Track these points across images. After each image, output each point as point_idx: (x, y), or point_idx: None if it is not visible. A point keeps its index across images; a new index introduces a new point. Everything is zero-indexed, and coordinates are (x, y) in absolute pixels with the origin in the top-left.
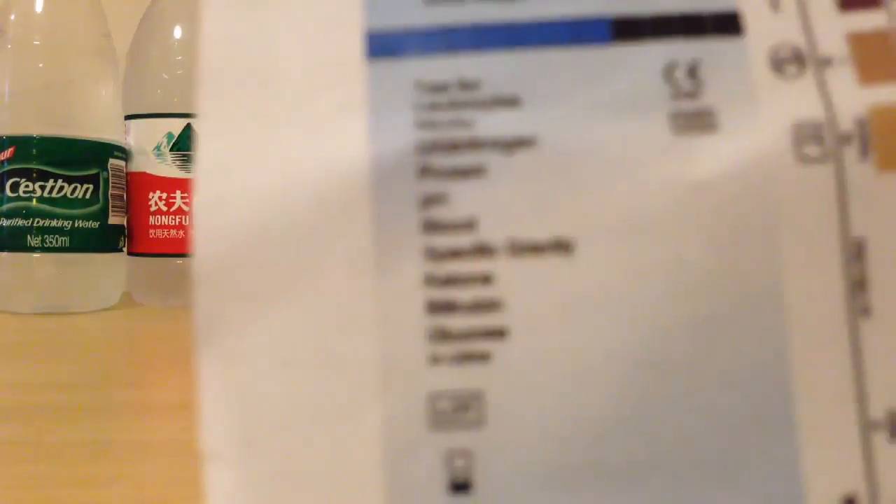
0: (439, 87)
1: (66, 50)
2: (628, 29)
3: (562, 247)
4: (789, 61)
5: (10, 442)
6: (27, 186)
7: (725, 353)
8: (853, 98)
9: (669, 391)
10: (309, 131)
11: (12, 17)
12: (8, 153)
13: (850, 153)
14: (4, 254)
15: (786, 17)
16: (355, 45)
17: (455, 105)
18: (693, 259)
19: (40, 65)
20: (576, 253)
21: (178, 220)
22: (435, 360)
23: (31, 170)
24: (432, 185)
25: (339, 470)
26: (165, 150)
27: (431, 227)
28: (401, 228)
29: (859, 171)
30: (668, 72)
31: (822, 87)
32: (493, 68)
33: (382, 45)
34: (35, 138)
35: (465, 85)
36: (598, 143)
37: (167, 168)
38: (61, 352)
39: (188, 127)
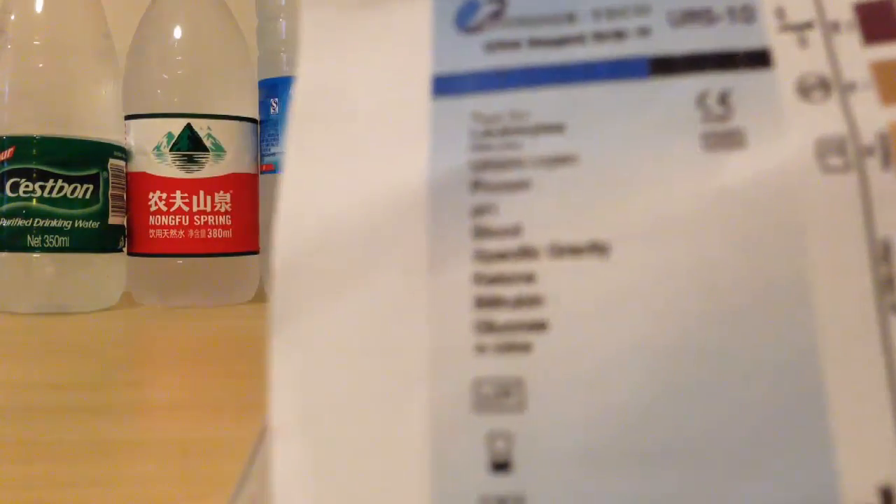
0: (493, 117)
1: (66, 50)
2: (665, 66)
3: (598, 249)
4: (815, 88)
5: (10, 442)
6: (27, 186)
7: (753, 345)
8: (875, 116)
9: (698, 380)
10: (378, 155)
11: (12, 17)
12: (8, 153)
13: (873, 163)
14: (4, 254)
15: (813, 51)
16: (423, 87)
17: (505, 131)
18: (720, 260)
19: (40, 65)
20: (611, 255)
21: (177, 220)
22: (480, 349)
23: (31, 170)
24: (483, 198)
25: (390, 446)
26: (165, 150)
27: (481, 232)
28: (454, 234)
29: (882, 179)
30: (701, 99)
31: (846, 108)
32: (540, 101)
33: (446, 86)
34: (35, 138)
35: (516, 115)
36: (632, 160)
37: (167, 168)
38: (61, 352)
39: (188, 127)
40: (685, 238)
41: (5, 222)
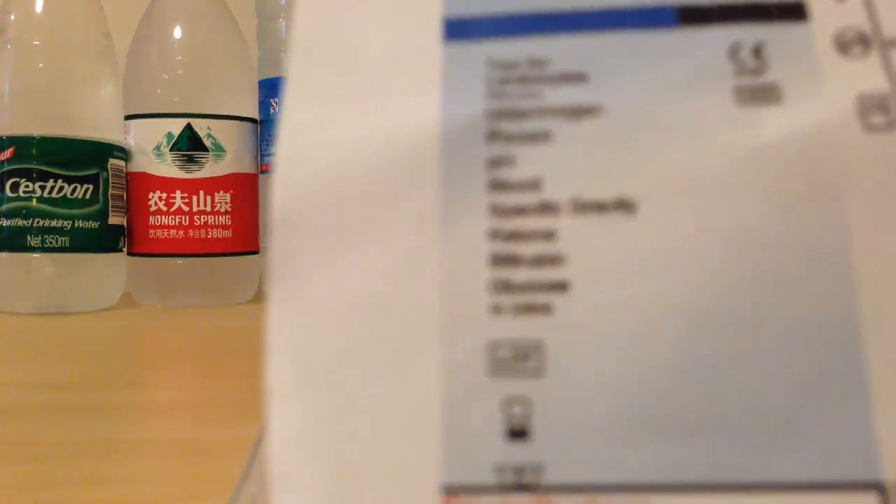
0: (510, 64)
1: (66, 50)
2: (694, 15)
3: (625, 206)
4: (854, 43)
5: (10, 442)
6: (27, 186)
7: (790, 311)
8: None
9: (730, 347)
10: (386, 100)
11: (12, 17)
12: (8, 153)
13: None
14: (4, 254)
15: (851, 6)
16: (433, 30)
17: (524, 79)
18: (756, 220)
19: (40, 65)
20: (638, 212)
21: (177, 220)
22: (497, 309)
23: (31, 170)
24: (500, 149)
25: (398, 412)
26: (165, 150)
27: (498, 186)
28: (468, 186)
29: None
30: (733, 52)
31: (888, 65)
32: (561, 49)
33: (458, 29)
34: (35, 138)
35: (535, 63)
36: (662, 112)
37: (167, 168)
38: (61, 352)
39: (188, 127)
40: (718, 196)
41: (5, 222)
